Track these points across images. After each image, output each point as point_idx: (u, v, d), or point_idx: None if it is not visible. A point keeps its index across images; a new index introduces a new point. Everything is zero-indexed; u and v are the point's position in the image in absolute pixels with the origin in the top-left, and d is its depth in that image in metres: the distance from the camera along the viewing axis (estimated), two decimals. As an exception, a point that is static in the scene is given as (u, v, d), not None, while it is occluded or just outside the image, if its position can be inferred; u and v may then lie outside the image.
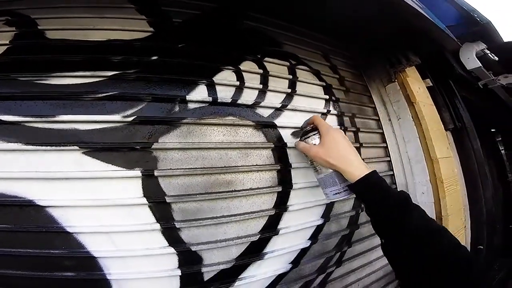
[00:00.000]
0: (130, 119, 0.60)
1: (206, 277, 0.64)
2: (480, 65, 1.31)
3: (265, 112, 0.78)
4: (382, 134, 1.08)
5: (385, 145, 1.07)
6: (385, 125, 1.10)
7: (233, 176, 0.69)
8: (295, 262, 0.76)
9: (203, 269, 0.63)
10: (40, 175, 0.53)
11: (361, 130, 0.99)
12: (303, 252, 0.78)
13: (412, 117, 1.06)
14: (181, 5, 0.73)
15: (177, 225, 0.61)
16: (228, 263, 0.66)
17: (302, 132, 0.71)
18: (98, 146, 0.57)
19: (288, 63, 0.87)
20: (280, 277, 0.74)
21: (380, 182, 0.59)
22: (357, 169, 0.60)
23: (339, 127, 0.93)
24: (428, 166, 1.03)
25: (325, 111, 0.91)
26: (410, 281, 0.55)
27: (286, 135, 0.79)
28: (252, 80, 0.78)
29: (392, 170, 1.07)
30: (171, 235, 0.61)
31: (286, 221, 0.75)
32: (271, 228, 0.73)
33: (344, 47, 1.09)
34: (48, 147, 0.54)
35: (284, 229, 0.74)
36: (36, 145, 0.54)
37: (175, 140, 0.64)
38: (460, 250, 0.52)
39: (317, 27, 0.95)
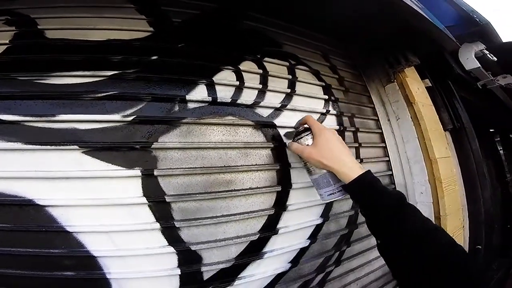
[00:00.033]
0: (130, 118, 0.60)
1: (206, 276, 0.64)
2: (479, 65, 1.31)
3: (264, 112, 0.78)
4: (381, 134, 1.08)
5: (384, 145, 1.08)
6: (384, 125, 1.10)
7: (233, 176, 0.69)
8: (294, 262, 0.77)
9: (203, 268, 0.63)
10: (40, 175, 0.54)
11: (360, 130, 1.00)
12: (302, 251, 0.79)
13: (411, 117, 1.06)
14: (181, 5, 0.73)
15: (177, 224, 0.61)
16: (228, 262, 0.66)
17: (295, 133, 0.71)
18: (98, 146, 0.57)
19: (287, 63, 0.87)
20: (279, 277, 0.74)
21: (375, 182, 0.59)
22: (350, 169, 0.60)
23: (338, 127, 0.93)
24: (427, 166, 1.03)
25: (324, 111, 0.91)
26: (409, 281, 0.54)
27: (286, 135, 0.79)
28: (252, 80, 0.78)
29: (391, 170, 1.07)
30: (171, 234, 0.61)
31: (285, 221, 0.75)
32: (270, 227, 0.73)
33: (344, 47, 1.09)
34: (48, 147, 0.54)
35: (283, 229, 0.74)
36: (36, 145, 0.54)
37: (174, 139, 0.64)
38: (456, 248, 0.52)
39: (317, 27, 0.95)
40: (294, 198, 0.77)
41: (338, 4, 0.78)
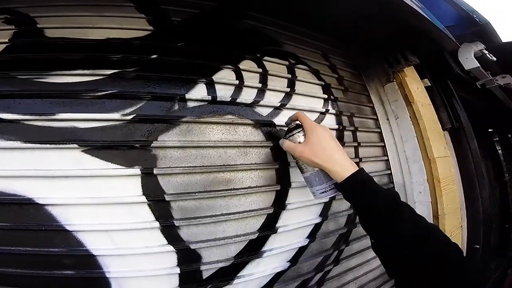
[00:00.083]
0: (130, 117, 0.60)
1: (205, 275, 0.64)
2: (478, 65, 1.31)
3: (264, 111, 0.78)
4: (380, 133, 1.09)
5: (383, 144, 1.08)
6: (383, 124, 1.10)
7: (232, 175, 0.70)
8: (293, 260, 0.77)
9: (202, 267, 0.64)
10: (39, 173, 0.54)
11: (359, 129, 1.00)
12: (301, 250, 0.79)
13: (410, 116, 1.06)
14: (181, 4, 0.73)
15: (176, 223, 0.61)
16: (227, 261, 0.66)
17: (287, 130, 0.70)
18: (97, 144, 0.57)
19: (287, 62, 0.87)
20: (278, 275, 0.74)
21: (368, 181, 0.58)
22: (343, 168, 0.59)
23: (337, 126, 0.93)
24: (426, 166, 1.03)
25: (323, 110, 0.91)
26: (404, 280, 0.54)
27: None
28: (252, 79, 0.78)
29: (390, 169, 1.07)
30: (170, 233, 0.61)
31: (285, 220, 0.76)
32: (269, 226, 0.73)
33: (344, 46, 1.09)
34: (48, 145, 0.54)
35: (283, 228, 0.74)
36: (36, 143, 0.53)
37: (174, 138, 0.64)
38: (451, 245, 0.52)
39: (317, 27, 0.95)
40: (293, 197, 0.78)
41: (338, 4, 0.78)
